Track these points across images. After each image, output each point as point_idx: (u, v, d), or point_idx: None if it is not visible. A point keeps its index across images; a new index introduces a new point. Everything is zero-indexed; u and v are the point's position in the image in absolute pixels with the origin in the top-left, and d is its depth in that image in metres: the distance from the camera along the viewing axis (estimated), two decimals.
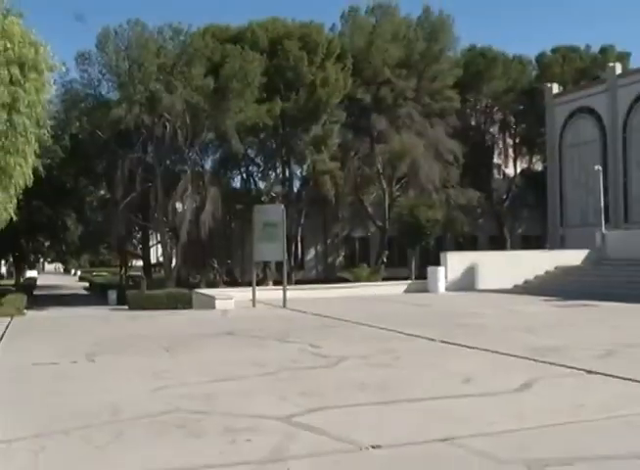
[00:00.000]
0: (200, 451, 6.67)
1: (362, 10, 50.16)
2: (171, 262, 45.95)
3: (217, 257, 48.70)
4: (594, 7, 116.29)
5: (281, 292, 26.20)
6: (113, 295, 41.81)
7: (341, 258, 55.92)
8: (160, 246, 50.40)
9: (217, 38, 43.26)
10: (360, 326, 18.14)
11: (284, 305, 24.88)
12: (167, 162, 44.94)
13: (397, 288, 33.17)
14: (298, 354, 13.05)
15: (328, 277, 48.39)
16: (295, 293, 28.64)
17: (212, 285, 41.32)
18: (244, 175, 51.13)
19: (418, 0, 67.07)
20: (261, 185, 50.34)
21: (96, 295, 53.90)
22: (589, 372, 10.49)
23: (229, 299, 26.52)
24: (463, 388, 9.58)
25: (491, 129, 60.32)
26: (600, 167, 39.02)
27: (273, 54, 43.73)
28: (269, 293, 29.20)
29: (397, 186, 50.64)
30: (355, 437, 6.96)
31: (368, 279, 39.60)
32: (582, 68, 56.62)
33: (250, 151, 48.80)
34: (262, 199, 46.50)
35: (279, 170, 49.10)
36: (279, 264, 32.37)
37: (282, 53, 43.48)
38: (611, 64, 48.39)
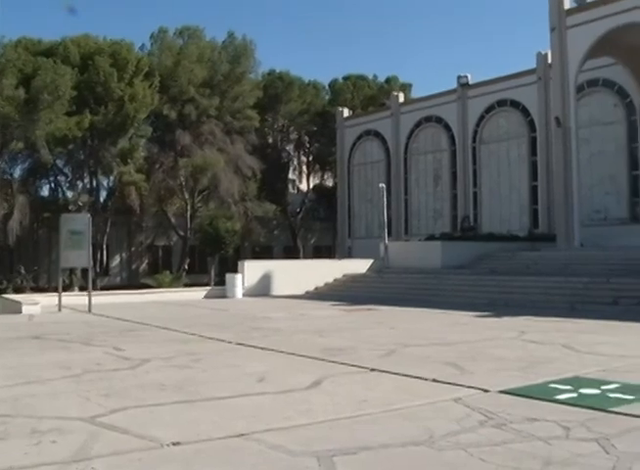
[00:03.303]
0: (4, 454, 6.36)
1: (170, 31, 49.95)
2: None
3: (24, 263, 47.00)
4: (382, 41, 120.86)
5: (86, 297, 25.49)
6: None
7: (144, 266, 55.23)
8: None
9: (30, 51, 41.92)
10: (162, 330, 17.91)
11: (89, 310, 24.20)
12: None
13: (198, 294, 32.97)
14: (103, 357, 12.72)
15: (132, 283, 47.59)
16: (100, 298, 28.01)
17: (19, 290, 39.68)
18: (52, 184, 49.91)
19: (223, 25, 67.29)
20: (69, 194, 49.01)
21: None
22: (372, 370, 10.80)
23: (35, 304, 25.57)
24: (258, 386, 9.63)
25: (287, 147, 61.37)
26: (384, 185, 40.25)
27: (84, 69, 42.79)
28: (75, 298, 28.33)
29: (199, 198, 50.64)
30: (157, 434, 6.87)
31: (170, 285, 39.13)
32: (370, 95, 58.76)
33: (58, 161, 47.54)
34: (70, 208, 45.12)
35: (86, 181, 47.96)
36: (85, 271, 31.50)
37: (93, 68, 42.65)
38: (395, 93, 50.56)
